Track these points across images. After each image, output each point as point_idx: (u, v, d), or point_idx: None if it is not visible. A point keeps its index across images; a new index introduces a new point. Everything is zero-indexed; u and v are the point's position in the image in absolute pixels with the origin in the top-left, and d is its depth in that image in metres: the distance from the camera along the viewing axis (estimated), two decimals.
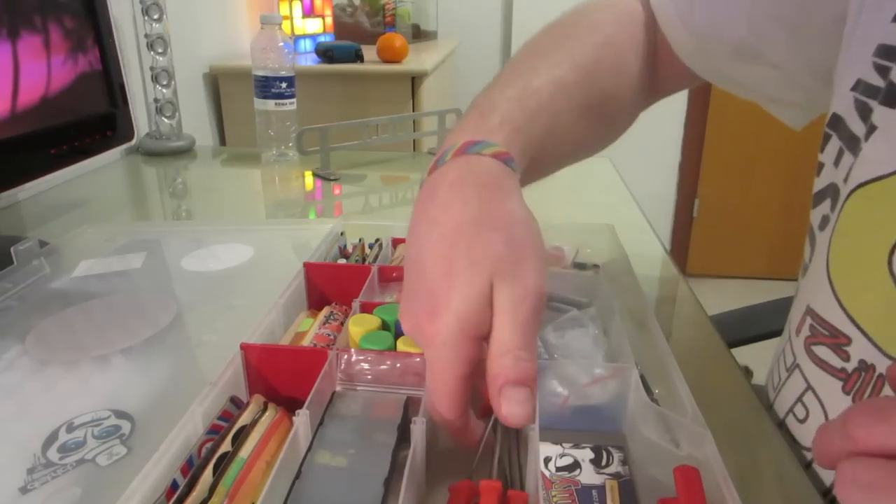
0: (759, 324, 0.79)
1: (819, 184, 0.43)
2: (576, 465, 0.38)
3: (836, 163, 0.40)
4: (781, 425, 0.45)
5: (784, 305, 0.84)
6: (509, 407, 0.31)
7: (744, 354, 0.62)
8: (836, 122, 0.41)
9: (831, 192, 0.41)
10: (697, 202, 2.64)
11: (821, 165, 0.43)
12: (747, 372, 0.67)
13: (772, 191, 2.60)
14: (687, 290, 0.65)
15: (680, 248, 2.70)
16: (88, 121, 0.78)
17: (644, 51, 0.51)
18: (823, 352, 0.40)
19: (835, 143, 0.41)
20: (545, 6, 2.29)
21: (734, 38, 0.47)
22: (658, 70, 0.53)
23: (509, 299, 0.32)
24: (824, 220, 0.41)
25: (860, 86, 0.38)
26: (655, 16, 0.52)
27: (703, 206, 2.64)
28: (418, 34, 2.03)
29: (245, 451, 0.35)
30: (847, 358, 0.38)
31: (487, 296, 0.32)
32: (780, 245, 2.67)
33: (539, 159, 0.43)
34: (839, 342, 0.38)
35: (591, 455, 0.39)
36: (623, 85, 0.50)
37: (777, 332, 0.78)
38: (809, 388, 0.41)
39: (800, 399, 0.43)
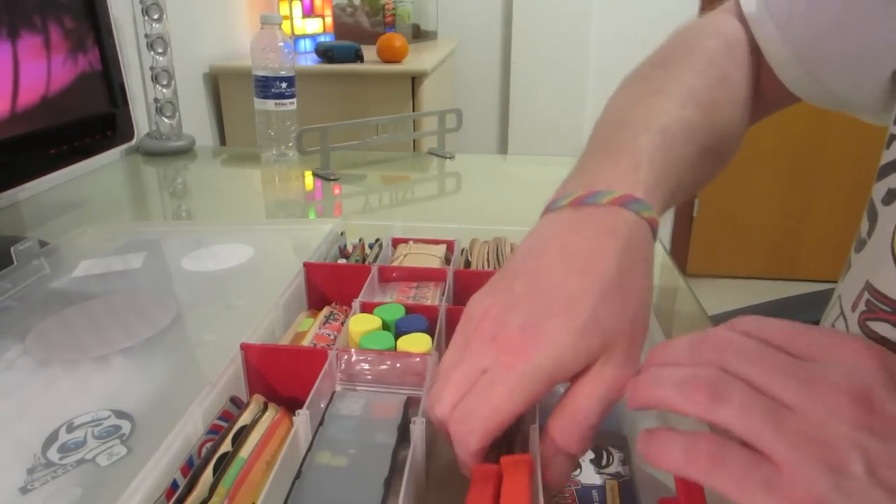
0: None
1: (888, 156, 0.41)
2: (576, 464, 0.38)
3: None
4: None
5: (784, 305, 0.84)
6: (558, 475, 0.31)
7: None
8: None
9: None
10: (697, 202, 2.64)
11: (892, 137, 0.41)
12: None
13: (772, 191, 2.60)
14: (687, 290, 0.65)
15: (680, 248, 2.70)
16: (88, 121, 0.78)
17: (751, 80, 0.50)
18: (883, 328, 0.38)
19: None
20: (545, 6, 2.30)
21: (836, 41, 0.45)
22: (759, 94, 0.51)
23: (612, 377, 0.31)
24: (890, 194, 0.40)
25: None
26: (754, 34, 0.50)
27: (703, 206, 2.64)
28: (418, 34, 2.03)
29: (245, 451, 0.35)
30: None
31: (591, 357, 0.31)
32: (780, 245, 2.67)
33: (666, 209, 0.41)
34: None
35: (592, 455, 0.39)
36: (736, 120, 0.49)
37: None
38: None
39: None
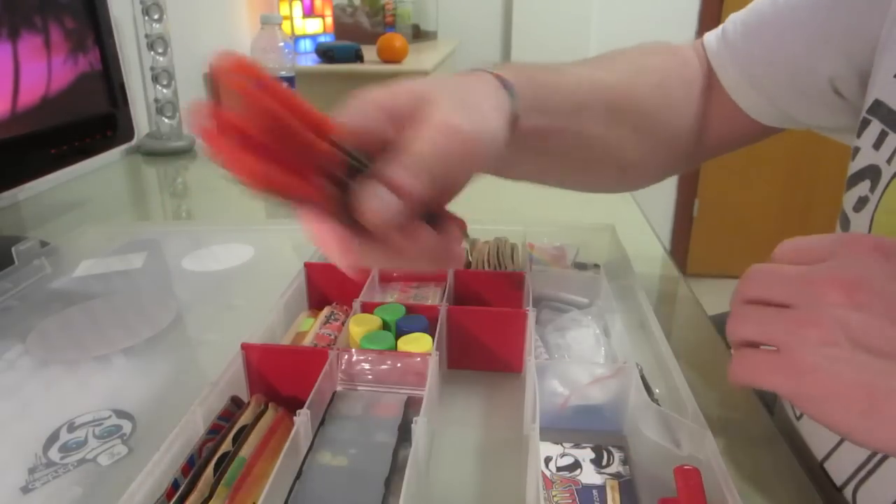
0: None
1: (854, 167, 0.43)
2: (576, 464, 0.38)
3: (877, 145, 0.41)
4: None
5: None
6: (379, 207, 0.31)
7: None
8: (878, 108, 0.42)
9: (871, 173, 0.41)
10: (697, 202, 2.63)
11: (856, 150, 0.44)
12: None
13: (772, 191, 2.60)
14: (687, 290, 0.65)
15: (680, 248, 2.70)
16: (88, 121, 0.78)
17: (696, 93, 0.53)
18: None
19: (875, 127, 0.42)
20: (545, 6, 2.30)
21: (790, 63, 0.48)
22: (711, 123, 0.54)
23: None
24: (861, 202, 0.42)
25: None
26: (711, 62, 0.53)
27: (703, 206, 2.64)
28: (418, 34, 2.04)
29: (246, 450, 0.35)
30: None
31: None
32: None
33: (547, 109, 0.44)
34: None
35: (592, 455, 0.39)
36: (668, 108, 0.52)
37: None
38: None
39: None
